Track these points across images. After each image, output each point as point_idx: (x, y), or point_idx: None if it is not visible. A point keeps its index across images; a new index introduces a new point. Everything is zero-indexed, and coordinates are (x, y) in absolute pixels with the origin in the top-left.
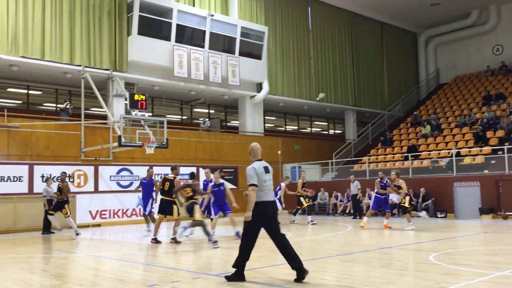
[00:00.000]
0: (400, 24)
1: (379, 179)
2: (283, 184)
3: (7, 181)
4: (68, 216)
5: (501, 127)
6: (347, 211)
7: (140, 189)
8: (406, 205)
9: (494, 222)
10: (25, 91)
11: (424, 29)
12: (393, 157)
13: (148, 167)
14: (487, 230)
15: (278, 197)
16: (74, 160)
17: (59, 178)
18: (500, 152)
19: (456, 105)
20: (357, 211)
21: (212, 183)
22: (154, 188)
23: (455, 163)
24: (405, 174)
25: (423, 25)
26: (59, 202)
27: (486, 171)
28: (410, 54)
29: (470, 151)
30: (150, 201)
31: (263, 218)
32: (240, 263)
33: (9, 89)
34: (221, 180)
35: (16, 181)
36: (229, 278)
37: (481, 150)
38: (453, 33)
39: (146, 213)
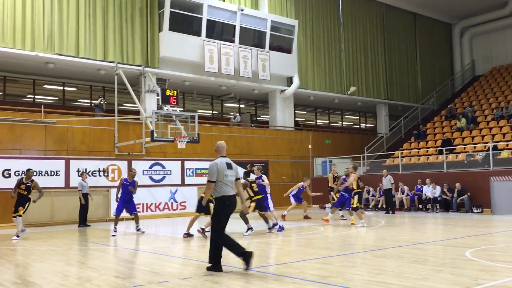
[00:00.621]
0: (434, 15)
1: (343, 176)
2: (304, 184)
3: (44, 175)
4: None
5: None
6: (379, 206)
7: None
8: (354, 205)
9: None
10: (61, 87)
11: (459, 20)
12: (427, 151)
13: (132, 168)
14: None
15: (292, 194)
16: (108, 155)
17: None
18: None
19: (493, 98)
20: (390, 206)
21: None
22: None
23: (492, 157)
24: (440, 169)
25: (458, 16)
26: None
27: None
28: (444, 46)
29: (507, 145)
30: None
31: (230, 210)
32: (216, 255)
33: (45, 86)
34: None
35: (53, 175)
36: (209, 268)
37: None
38: (489, 23)
39: (119, 214)
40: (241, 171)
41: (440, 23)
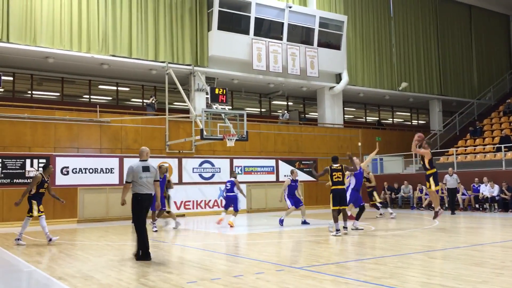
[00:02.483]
0: (491, 6)
1: (289, 177)
2: (293, 177)
3: (100, 172)
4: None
5: None
6: (432, 205)
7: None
8: (433, 188)
9: None
10: (115, 87)
11: None
12: (484, 148)
13: (162, 164)
14: None
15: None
16: (160, 153)
17: None
18: None
19: None
20: (453, 206)
21: (290, 178)
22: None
23: None
24: (498, 167)
25: None
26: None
27: None
28: (502, 38)
29: None
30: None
31: (142, 206)
32: (140, 246)
33: (100, 86)
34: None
35: (108, 172)
36: (138, 258)
37: None
38: None
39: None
40: (288, 168)
41: (497, 15)
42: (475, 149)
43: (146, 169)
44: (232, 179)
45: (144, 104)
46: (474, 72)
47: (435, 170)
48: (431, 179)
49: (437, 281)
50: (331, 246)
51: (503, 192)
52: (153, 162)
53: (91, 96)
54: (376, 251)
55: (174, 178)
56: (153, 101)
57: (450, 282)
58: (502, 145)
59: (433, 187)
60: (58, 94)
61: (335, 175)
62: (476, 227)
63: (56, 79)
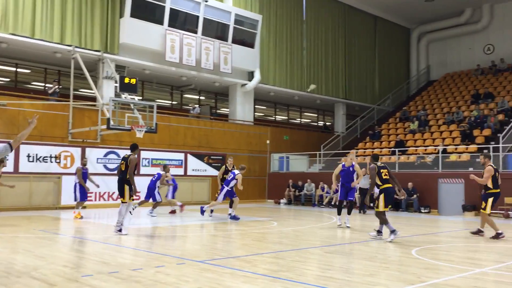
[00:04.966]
0: (394, 19)
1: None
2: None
3: None
4: None
5: (488, 126)
6: (332, 203)
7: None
8: (487, 211)
9: (477, 219)
10: (14, 69)
11: (417, 25)
12: (381, 151)
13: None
14: (469, 227)
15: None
16: (61, 141)
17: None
18: (486, 151)
19: (445, 102)
20: (364, 205)
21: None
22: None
23: (441, 160)
24: (392, 169)
25: (416, 21)
26: None
27: (471, 169)
28: (402, 50)
29: (456, 149)
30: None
31: None
32: None
33: None
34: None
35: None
36: None
37: (467, 148)
38: (446, 30)
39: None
40: (197, 162)
41: (399, 27)
42: (373, 151)
43: None
44: (162, 172)
45: (46, 88)
46: (376, 79)
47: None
48: (490, 200)
49: (330, 274)
50: (233, 241)
51: (395, 192)
52: (54, 150)
53: None
54: (276, 246)
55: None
56: (56, 89)
57: (341, 275)
58: (397, 149)
59: (488, 209)
60: None
61: (383, 172)
62: (370, 224)
63: None
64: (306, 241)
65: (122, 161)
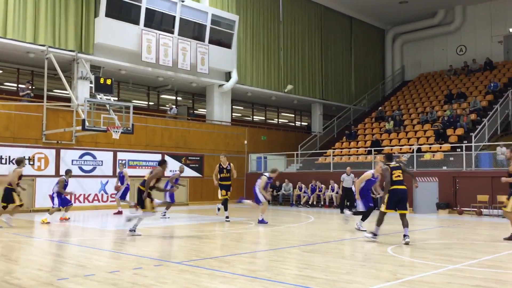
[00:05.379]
0: (369, 20)
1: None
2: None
3: None
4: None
5: (461, 126)
6: (309, 202)
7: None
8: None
9: (450, 217)
10: None
11: (391, 26)
12: (357, 150)
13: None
14: (443, 224)
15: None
16: (35, 143)
17: None
18: (459, 150)
19: (419, 102)
20: (352, 204)
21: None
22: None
23: (415, 159)
24: (369, 168)
25: (391, 22)
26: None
27: (444, 168)
28: (377, 50)
29: (430, 148)
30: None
31: None
32: None
33: None
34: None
35: None
36: None
37: (440, 147)
38: (420, 32)
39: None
40: (174, 163)
41: (374, 28)
42: (349, 151)
43: None
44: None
45: (19, 89)
46: (352, 80)
47: None
48: None
49: (307, 273)
50: (212, 241)
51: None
52: (28, 152)
53: None
54: (254, 246)
55: (50, 170)
56: (29, 90)
57: (319, 274)
58: (372, 149)
59: (509, 208)
60: None
61: (395, 173)
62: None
63: None
64: (284, 240)
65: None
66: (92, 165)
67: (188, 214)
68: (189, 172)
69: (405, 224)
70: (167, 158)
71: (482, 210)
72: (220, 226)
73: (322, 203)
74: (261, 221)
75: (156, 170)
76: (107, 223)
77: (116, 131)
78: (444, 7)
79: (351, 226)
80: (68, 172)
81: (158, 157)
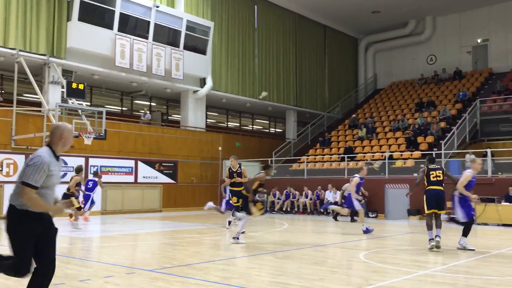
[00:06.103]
0: (342, 28)
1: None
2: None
3: None
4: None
5: (431, 133)
6: (283, 209)
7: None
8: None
9: (421, 223)
10: None
11: (364, 35)
12: (331, 157)
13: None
14: (414, 230)
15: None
16: (4, 148)
17: None
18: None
19: (391, 110)
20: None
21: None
22: None
23: (387, 166)
24: (341, 175)
25: (363, 31)
26: None
27: (415, 174)
28: (350, 59)
29: (401, 155)
30: None
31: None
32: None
33: None
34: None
35: None
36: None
37: (411, 154)
38: (391, 41)
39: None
40: (147, 169)
41: (347, 37)
42: (323, 158)
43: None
44: (96, 179)
45: None
46: (326, 87)
47: None
48: None
49: (281, 280)
50: (185, 249)
51: (344, 197)
52: None
53: None
54: (228, 253)
55: None
56: None
57: (292, 280)
58: (346, 156)
59: None
60: None
61: (433, 174)
62: (320, 230)
63: None
64: (258, 247)
65: None
66: (64, 171)
67: (161, 220)
68: (162, 178)
69: (437, 225)
70: (140, 164)
71: (451, 216)
72: (193, 233)
73: (296, 209)
74: (366, 231)
75: (260, 174)
76: (78, 230)
77: (88, 137)
78: (415, 17)
79: (321, 234)
80: (80, 169)
81: (131, 163)
